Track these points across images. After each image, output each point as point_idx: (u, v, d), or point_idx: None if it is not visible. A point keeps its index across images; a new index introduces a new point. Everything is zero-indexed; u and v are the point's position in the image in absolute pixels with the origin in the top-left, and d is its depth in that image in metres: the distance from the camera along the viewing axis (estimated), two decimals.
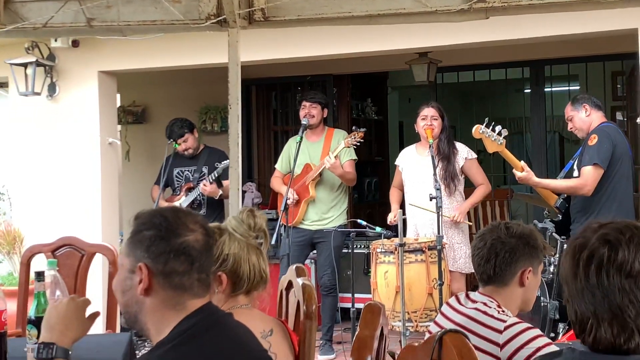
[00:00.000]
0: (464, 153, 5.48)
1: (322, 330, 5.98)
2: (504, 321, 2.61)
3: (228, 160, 4.03)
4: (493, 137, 4.71)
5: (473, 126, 4.83)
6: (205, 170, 6.21)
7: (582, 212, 4.68)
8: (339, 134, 6.01)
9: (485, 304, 2.69)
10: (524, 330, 2.59)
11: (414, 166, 5.55)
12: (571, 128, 4.85)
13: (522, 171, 4.67)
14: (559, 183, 4.81)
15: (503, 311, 2.67)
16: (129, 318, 1.87)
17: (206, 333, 1.76)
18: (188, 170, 6.35)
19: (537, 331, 2.62)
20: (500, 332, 2.59)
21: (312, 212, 5.97)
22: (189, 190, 6.25)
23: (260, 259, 2.45)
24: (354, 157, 6.00)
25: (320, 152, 5.95)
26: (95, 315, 2.17)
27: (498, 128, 4.73)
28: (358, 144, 5.78)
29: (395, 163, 5.79)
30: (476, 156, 5.57)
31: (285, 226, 5.74)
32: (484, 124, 4.74)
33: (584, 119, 4.76)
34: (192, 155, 6.32)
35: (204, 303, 1.82)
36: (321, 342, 5.96)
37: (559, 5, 3.60)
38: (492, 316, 2.63)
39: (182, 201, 6.20)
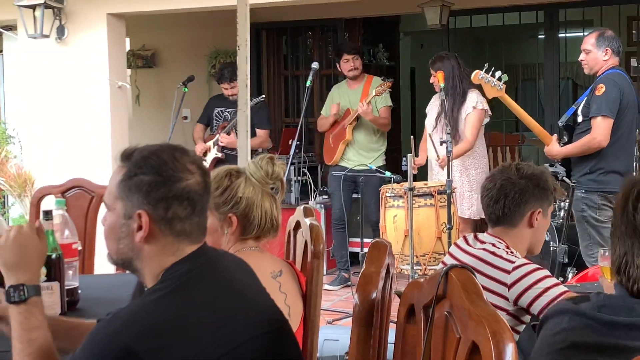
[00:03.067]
0: (472, 102, 5.40)
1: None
2: (512, 262, 2.61)
3: (252, 101, 4.02)
4: (493, 83, 4.67)
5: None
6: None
7: (581, 158, 4.66)
8: (376, 81, 6.34)
9: (493, 244, 2.70)
10: (532, 270, 2.60)
11: (431, 112, 5.57)
12: (582, 60, 4.73)
13: (549, 145, 4.67)
14: (574, 146, 4.70)
15: (512, 252, 2.67)
16: (122, 263, 1.78)
17: (200, 280, 1.71)
18: (227, 111, 6.49)
19: (546, 272, 2.62)
20: (508, 272, 2.60)
21: (351, 152, 6.31)
22: (223, 129, 6.37)
23: (273, 207, 2.45)
24: (390, 103, 6.33)
25: (359, 98, 6.26)
26: (40, 229, 1.93)
27: (498, 73, 4.69)
28: (384, 92, 6.10)
29: (427, 109, 5.76)
30: (482, 108, 5.41)
31: (303, 165, 6.24)
32: (484, 70, 4.69)
33: (600, 60, 4.65)
34: (235, 100, 6.39)
35: (198, 247, 1.76)
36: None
37: None
38: (500, 257, 2.63)
39: (214, 141, 6.40)
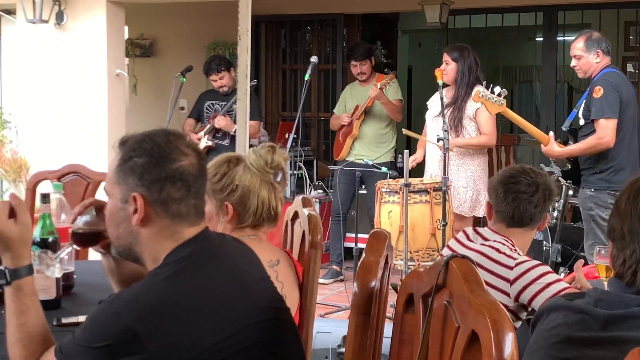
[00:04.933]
0: None
1: None
2: (515, 258, 2.68)
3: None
4: (493, 99, 4.67)
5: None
6: (235, 106, 6.27)
7: (591, 159, 4.66)
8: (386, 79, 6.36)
9: (500, 242, 2.74)
10: (534, 266, 2.66)
11: (432, 107, 5.52)
12: (574, 65, 4.73)
13: (547, 144, 4.66)
14: (579, 147, 4.70)
15: (515, 250, 2.74)
16: (123, 250, 1.79)
17: (202, 264, 1.71)
18: (218, 104, 6.50)
19: (547, 268, 2.68)
20: (510, 268, 2.65)
21: (359, 147, 6.36)
22: (214, 119, 6.38)
23: (272, 196, 2.43)
24: (400, 97, 6.39)
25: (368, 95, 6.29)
26: (18, 207, 1.79)
27: (497, 89, 4.69)
28: (388, 84, 6.17)
29: (427, 103, 5.68)
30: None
31: (299, 158, 6.21)
32: (483, 87, 4.68)
33: (593, 63, 4.64)
34: (226, 93, 6.47)
35: (199, 231, 1.76)
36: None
37: None
38: (504, 253, 2.69)
39: (205, 130, 6.37)
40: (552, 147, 4.71)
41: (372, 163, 5.66)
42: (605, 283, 2.55)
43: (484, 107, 4.79)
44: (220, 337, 1.65)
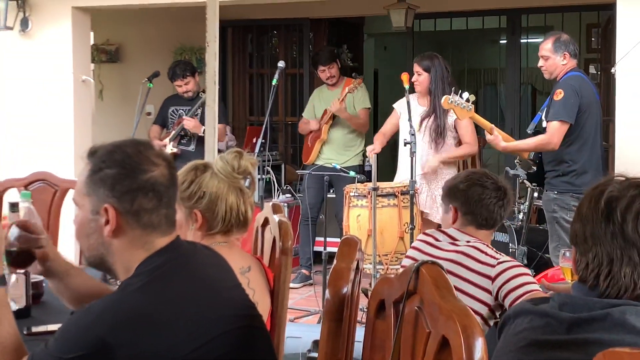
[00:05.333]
0: None
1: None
2: (497, 258, 2.80)
3: (203, 96, 4.02)
4: (462, 105, 4.71)
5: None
6: (199, 111, 6.25)
7: (554, 162, 4.71)
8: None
9: (481, 242, 2.90)
10: (514, 266, 2.78)
11: (403, 112, 5.49)
12: (541, 66, 4.78)
13: (492, 134, 4.68)
14: (525, 143, 4.80)
15: (496, 251, 2.87)
16: (94, 260, 1.79)
17: (173, 274, 1.72)
18: (182, 109, 6.46)
19: (526, 269, 2.80)
20: (492, 266, 2.77)
21: (327, 151, 6.42)
22: (179, 125, 6.36)
23: (240, 201, 2.43)
24: (368, 105, 6.44)
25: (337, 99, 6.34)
26: None
27: (465, 95, 4.73)
28: (356, 89, 6.23)
29: (393, 105, 5.67)
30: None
31: (267, 163, 6.21)
32: (451, 94, 4.72)
33: (559, 65, 4.70)
34: (191, 98, 6.46)
35: (170, 240, 1.77)
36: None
37: None
38: (485, 253, 2.84)
39: (170, 137, 6.33)
40: (498, 139, 4.68)
41: (340, 167, 5.68)
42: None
43: (454, 113, 4.83)
44: (193, 346, 1.66)
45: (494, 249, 2.87)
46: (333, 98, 6.36)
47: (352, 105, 6.33)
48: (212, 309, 1.73)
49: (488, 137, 4.75)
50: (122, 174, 1.71)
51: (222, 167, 2.43)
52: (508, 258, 2.83)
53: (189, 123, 6.24)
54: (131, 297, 1.66)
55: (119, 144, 1.77)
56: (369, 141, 6.48)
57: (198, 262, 1.82)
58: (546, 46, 4.72)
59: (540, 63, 4.78)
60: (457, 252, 2.85)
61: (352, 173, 5.52)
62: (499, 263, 2.77)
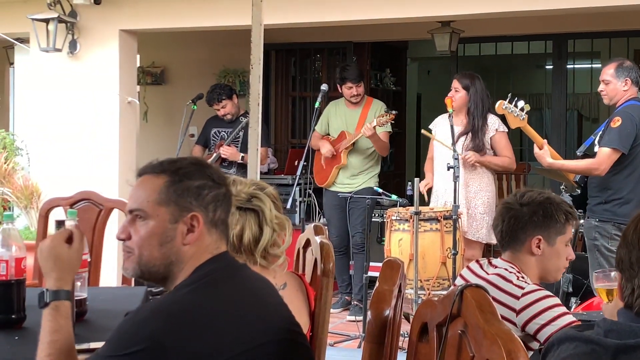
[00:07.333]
0: (495, 125, 5.37)
1: (353, 291, 6.21)
2: (522, 287, 2.59)
3: (245, 119, 4.04)
4: (516, 113, 4.68)
5: (495, 101, 4.81)
6: (241, 133, 6.30)
7: (598, 188, 4.64)
8: (376, 105, 6.22)
9: (506, 269, 2.68)
10: (542, 298, 2.58)
11: (441, 132, 5.48)
12: (601, 90, 4.71)
13: (542, 149, 4.63)
14: (573, 164, 4.74)
15: (522, 277, 2.65)
16: (156, 270, 1.80)
17: (225, 281, 1.78)
18: (224, 131, 6.54)
19: (555, 299, 2.60)
20: (517, 298, 2.58)
21: (343, 175, 6.22)
22: (220, 147, 6.42)
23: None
24: (389, 129, 6.20)
25: (357, 120, 6.16)
26: (76, 235, 1.98)
27: (520, 104, 4.69)
28: (387, 123, 5.96)
29: (429, 127, 5.65)
30: (507, 130, 5.36)
31: (309, 186, 6.22)
32: (507, 100, 4.70)
33: (620, 91, 4.62)
34: (230, 120, 6.53)
35: (225, 250, 1.85)
36: (353, 302, 6.18)
37: None
38: (510, 281, 2.62)
39: (210, 160, 6.34)
40: (545, 154, 4.64)
41: (381, 191, 5.66)
42: (605, 309, 2.52)
43: (506, 119, 4.78)
44: (238, 350, 1.70)
45: (520, 275, 2.65)
46: (352, 118, 6.20)
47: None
48: (259, 317, 1.78)
49: (536, 150, 4.69)
50: (209, 185, 1.80)
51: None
52: (534, 287, 2.60)
53: (226, 151, 6.31)
54: (184, 297, 1.72)
55: (194, 158, 1.90)
56: (410, 166, 6.46)
57: (246, 274, 1.88)
58: (609, 70, 4.66)
59: (601, 87, 4.71)
60: (485, 280, 2.71)
61: (394, 197, 5.49)
62: (523, 295, 2.57)
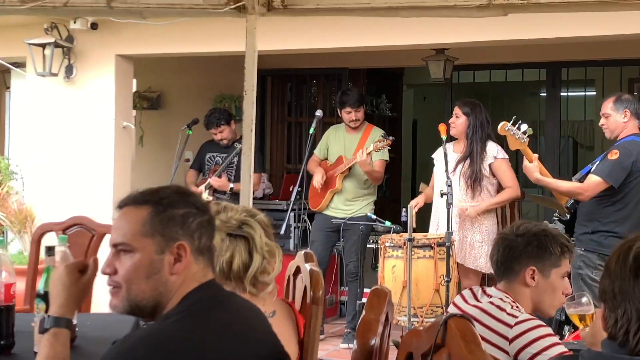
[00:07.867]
0: (493, 152, 5.35)
1: (346, 319, 6.17)
2: (516, 317, 2.60)
3: (240, 145, 4.06)
4: (517, 135, 4.70)
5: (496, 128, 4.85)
6: (235, 159, 6.32)
7: (586, 217, 4.68)
8: (376, 132, 6.17)
9: (501, 299, 2.69)
10: (534, 327, 2.58)
11: (438, 162, 5.50)
12: (603, 124, 4.75)
13: (531, 162, 4.67)
14: (560, 184, 4.78)
15: (517, 307, 2.66)
16: (145, 305, 1.77)
17: (213, 309, 1.77)
18: (219, 156, 6.59)
19: (548, 329, 2.61)
20: (510, 326, 2.59)
21: (337, 200, 6.18)
22: (214, 173, 6.45)
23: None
24: (386, 157, 6.16)
25: (356, 146, 6.12)
26: (86, 265, 2.02)
27: (524, 127, 4.72)
28: (383, 148, 5.91)
29: (432, 156, 5.66)
30: (507, 157, 5.38)
31: (304, 211, 6.11)
32: (511, 122, 4.73)
33: (620, 123, 4.67)
34: (226, 145, 6.56)
35: (211, 278, 1.84)
36: (345, 330, 6.13)
37: (579, 4, 3.60)
38: (504, 310, 2.63)
39: (204, 185, 6.41)
40: (534, 169, 4.66)
41: (375, 217, 5.66)
42: (585, 335, 2.53)
43: (507, 140, 4.80)
44: None
45: (514, 304, 2.66)
46: (351, 143, 6.19)
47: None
48: (246, 346, 1.77)
49: (526, 163, 4.72)
50: (192, 213, 1.79)
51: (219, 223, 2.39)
52: (527, 316, 2.61)
53: (216, 182, 6.33)
54: (171, 326, 1.71)
55: (172, 187, 1.86)
56: (405, 192, 6.46)
57: (234, 302, 1.88)
58: (608, 104, 4.73)
59: (602, 122, 4.77)
60: (478, 308, 2.72)
61: (387, 223, 5.49)
62: (516, 324, 2.57)
